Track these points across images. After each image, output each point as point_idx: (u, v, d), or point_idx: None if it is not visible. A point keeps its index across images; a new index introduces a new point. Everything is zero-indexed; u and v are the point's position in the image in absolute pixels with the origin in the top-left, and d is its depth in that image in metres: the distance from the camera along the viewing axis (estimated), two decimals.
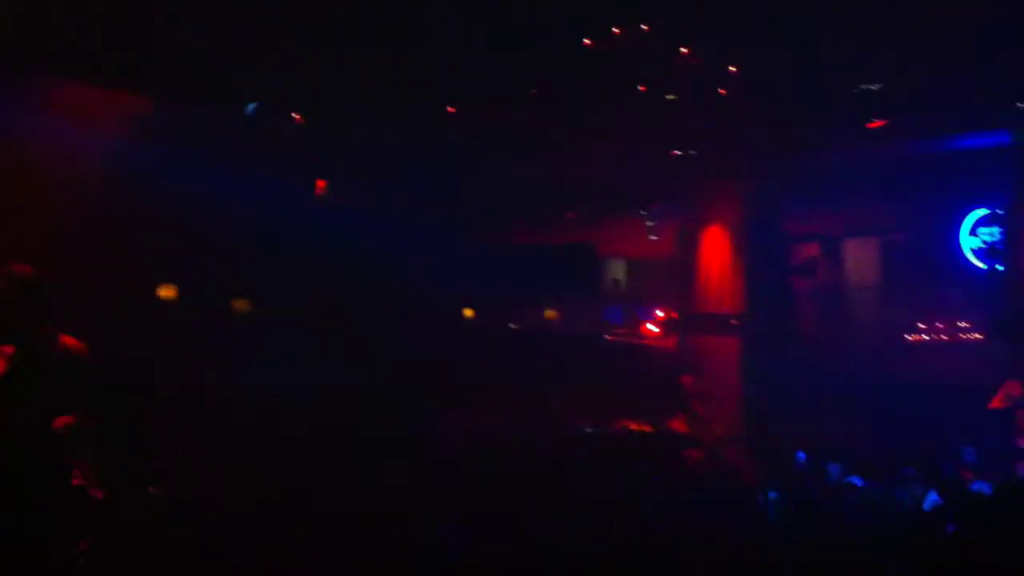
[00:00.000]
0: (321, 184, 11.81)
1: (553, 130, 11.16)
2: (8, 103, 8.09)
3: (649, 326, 14.06)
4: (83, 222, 8.48)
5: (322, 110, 10.22)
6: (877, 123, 10.77)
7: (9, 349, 4.87)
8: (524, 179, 12.40)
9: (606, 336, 14.58)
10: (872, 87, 10.16)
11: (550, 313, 14.84)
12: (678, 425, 12.13)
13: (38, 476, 4.82)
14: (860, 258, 13.40)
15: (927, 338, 13.24)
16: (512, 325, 14.75)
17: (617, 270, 15.23)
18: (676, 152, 11.78)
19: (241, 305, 11.27)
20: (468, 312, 14.00)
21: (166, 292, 10.39)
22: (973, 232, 12.98)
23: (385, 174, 11.48)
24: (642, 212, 13.55)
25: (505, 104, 10.76)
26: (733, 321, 12.47)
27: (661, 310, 13.95)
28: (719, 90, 10.32)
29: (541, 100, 10.49)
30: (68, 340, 5.02)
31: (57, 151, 8.31)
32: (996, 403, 10.51)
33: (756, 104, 10.53)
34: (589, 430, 12.11)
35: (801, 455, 10.03)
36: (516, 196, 12.76)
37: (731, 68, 9.92)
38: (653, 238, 13.64)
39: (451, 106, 10.52)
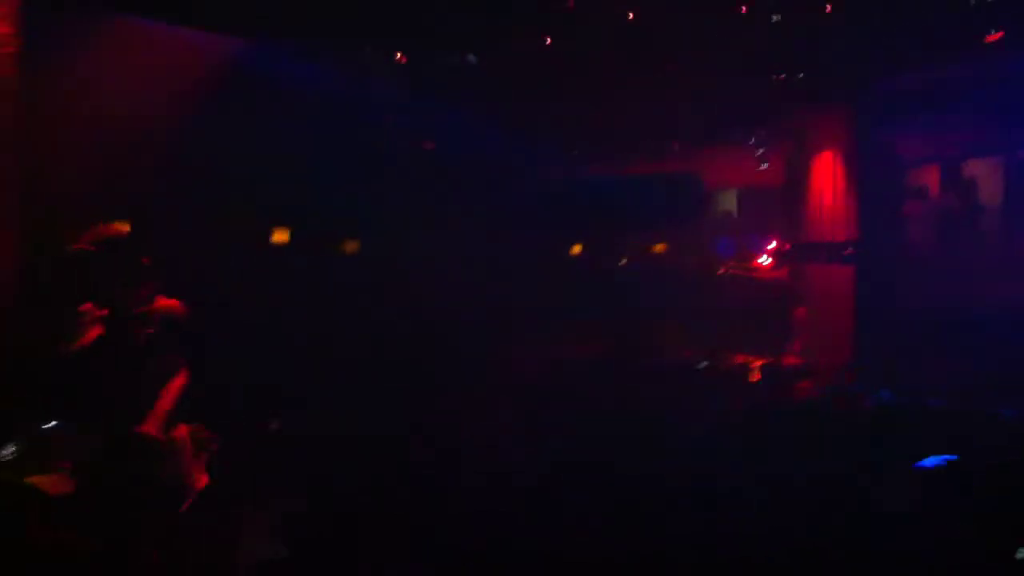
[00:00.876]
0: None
1: (656, 58, 10.94)
2: (86, 44, 8.25)
3: (760, 258, 13.77)
4: (155, 170, 8.58)
5: (417, 42, 10.21)
6: (995, 35, 10.22)
7: (102, 312, 4.99)
8: (629, 109, 12.18)
9: (717, 269, 14.35)
10: None
11: (659, 246, 14.66)
12: (791, 357, 11.91)
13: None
14: (982, 179, 12.76)
15: None
16: (622, 259, 14.65)
17: (727, 201, 14.92)
18: (783, 76, 11.42)
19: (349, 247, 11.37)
20: (576, 248, 13.96)
21: (279, 236, 10.53)
22: None
23: (489, 105, 11.45)
24: (750, 140, 13.22)
25: (607, 32, 10.59)
26: (847, 250, 12.10)
27: (772, 240, 13.63)
28: (826, 7, 9.95)
29: (644, 28, 10.30)
30: (164, 300, 5.12)
31: (131, 97, 8.42)
32: None
33: (865, 20, 10.12)
34: (703, 364, 11.98)
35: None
36: (623, 126, 12.58)
37: None
38: (763, 167, 13.31)
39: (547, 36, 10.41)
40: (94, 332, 5.01)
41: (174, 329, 5.15)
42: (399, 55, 10.47)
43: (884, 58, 10.90)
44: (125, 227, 5.17)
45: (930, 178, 12.82)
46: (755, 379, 11.55)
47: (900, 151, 11.84)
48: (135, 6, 8.49)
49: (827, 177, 12.29)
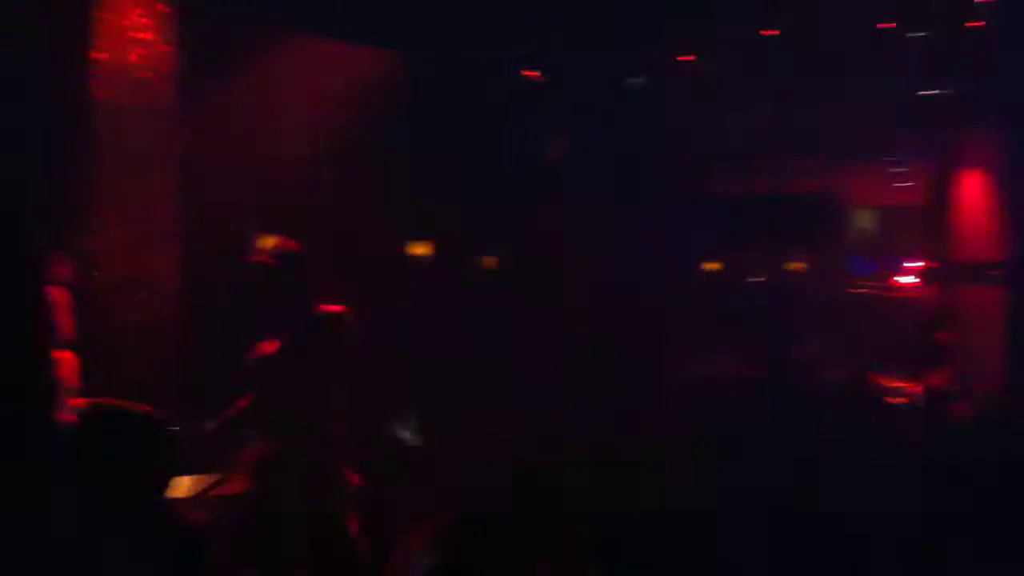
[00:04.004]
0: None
1: (791, 70, 10.78)
2: (259, 59, 8.47)
3: (900, 278, 13.42)
4: (329, 182, 8.75)
5: (559, 60, 10.27)
6: None
7: (282, 329, 5.06)
8: (760, 124, 12.03)
9: (853, 289, 14.02)
10: None
11: (795, 265, 14.42)
12: (936, 380, 11.53)
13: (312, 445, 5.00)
14: None
15: None
16: (753, 278, 14.45)
17: (864, 220, 14.59)
18: (928, 92, 11.14)
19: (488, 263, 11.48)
20: (713, 266, 13.82)
21: (418, 249, 10.67)
22: None
23: (615, 122, 11.44)
24: (891, 158, 12.89)
25: (740, 44, 10.49)
26: (995, 271, 11.70)
27: (913, 261, 13.27)
28: (976, 22, 9.70)
29: (778, 39, 10.16)
30: (334, 309, 5.15)
31: (305, 108, 8.62)
32: None
33: (1016, 36, 9.84)
34: (834, 383, 11.69)
35: None
36: (752, 142, 12.43)
37: None
38: (904, 185, 12.96)
39: (685, 52, 10.32)
40: (271, 343, 5.08)
41: (344, 336, 5.17)
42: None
43: None
44: (297, 244, 5.22)
45: None
46: (899, 401, 11.22)
47: None
48: (295, 23, 8.68)
49: (975, 195, 11.93)
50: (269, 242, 5.21)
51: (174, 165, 7.88)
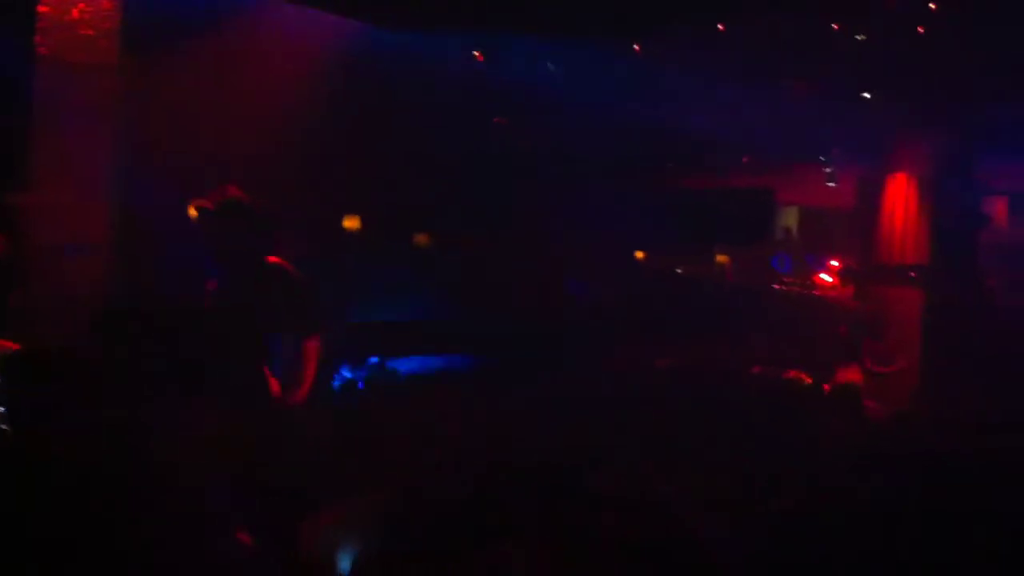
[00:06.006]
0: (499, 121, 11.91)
1: (732, 69, 10.90)
2: (221, 25, 8.33)
3: (823, 276, 13.71)
4: (289, 148, 8.66)
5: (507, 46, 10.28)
6: None
7: (224, 272, 5.04)
8: (698, 120, 12.16)
9: (775, 285, 14.29)
10: None
11: (721, 259, 14.64)
12: (850, 376, 11.82)
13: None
14: None
15: None
16: (678, 270, 14.63)
17: (789, 218, 14.87)
18: (863, 96, 11.36)
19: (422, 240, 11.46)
20: (639, 255, 13.94)
21: (350, 223, 10.62)
22: None
23: (556, 113, 11.47)
24: (821, 159, 13.14)
25: (682, 41, 10.58)
26: (912, 273, 12.03)
27: (836, 260, 13.57)
28: (916, 29, 9.90)
29: (720, 37, 10.25)
30: (279, 262, 5.14)
31: (269, 75, 8.50)
32: None
33: (951, 49, 10.07)
34: (754, 375, 11.91)
35: None
36: (688, 138, 12.57)
37: (931, 5, 9.49)
38: (831, 185, 13.23)
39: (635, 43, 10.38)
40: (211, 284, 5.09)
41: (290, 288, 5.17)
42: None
43: (966, 88, 10.84)
44: (243, 193, 5.20)
45: (1000, 209, 12.79)
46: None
47: (976, 179, 11.81)
48: None
49: (900, 200, 12.22)
50: (215, 191, 5.19)
51: (115, 123, 7.71)
